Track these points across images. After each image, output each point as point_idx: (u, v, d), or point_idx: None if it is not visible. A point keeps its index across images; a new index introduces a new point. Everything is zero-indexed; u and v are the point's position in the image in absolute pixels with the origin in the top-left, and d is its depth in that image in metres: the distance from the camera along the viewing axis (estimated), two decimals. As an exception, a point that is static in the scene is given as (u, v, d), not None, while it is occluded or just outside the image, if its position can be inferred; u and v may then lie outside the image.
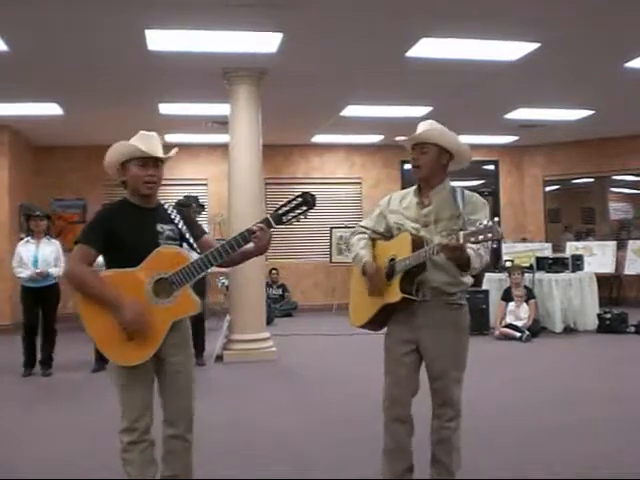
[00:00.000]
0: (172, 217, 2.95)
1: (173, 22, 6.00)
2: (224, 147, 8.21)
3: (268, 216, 2.78)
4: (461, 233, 2.69)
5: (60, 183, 11.77)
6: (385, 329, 3.20)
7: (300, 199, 2.77)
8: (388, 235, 3.17)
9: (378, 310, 3.06)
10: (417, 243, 2.91)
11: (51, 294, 6.82)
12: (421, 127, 3.05)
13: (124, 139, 2.89)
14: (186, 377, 2.97)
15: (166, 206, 3.00)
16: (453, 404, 3.03)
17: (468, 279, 3.07)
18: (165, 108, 9.23)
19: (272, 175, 12.14)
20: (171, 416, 2.93)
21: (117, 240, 2.79)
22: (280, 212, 2.78)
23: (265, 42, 6.58)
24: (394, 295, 2.96)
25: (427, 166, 3.02)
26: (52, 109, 9.00)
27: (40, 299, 6.76)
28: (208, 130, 10.47)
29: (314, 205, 2.78)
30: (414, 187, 3.16)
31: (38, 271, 6.64)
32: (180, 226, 2.94)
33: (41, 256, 6.75)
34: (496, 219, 2.66)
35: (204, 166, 12.21)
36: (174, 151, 2.99)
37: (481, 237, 2.63)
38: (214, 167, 11.95)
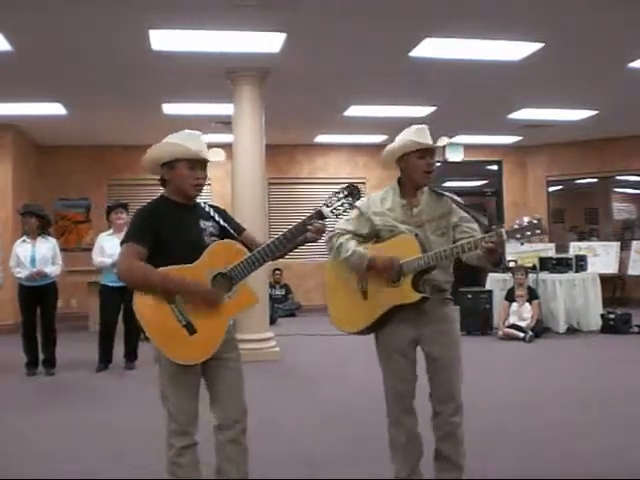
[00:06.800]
0: (211, 214, 2.95)
1: (177, 22, 6.01)
2: (227, 147, 8.20)
3: (321, 208, 2.82)
4: (503, 230, 2.74)
5: (64, 183, 11.76)
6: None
7: (346, 191, 2.83)
8: (371, 237, 3.16)
9: (385, 312, 3.05)
10: (423, 245, 2.95)
11: (49, 293, 6.79)
12: (428, 134, 3.10)
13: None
14: (238, 375, 2.93)
15: (202, 204, 2.99)
16: (455, 397, 3.05)
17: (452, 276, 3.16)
18: (169, 108, 9.24)
19: (275, 175, 12.13)
20: (226, 418, 2.86)
21: (163, 238, 2.72)
22: (330, 204, 2.82)
23: (269, 42, 6.59)
24: (410, 296, 2.97)
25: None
26: (56, 109, 9.02)
27: (38, 298, 6.72)
28: (211, 130, 10.46)
29: (360, 196, 2.87)
30: (391, 188, 3.17)
31: (35, 271, 6.58)
32: (221, 223, 2.93)
33: (38, 255, 6.69)
34: (538, 215, 2.76)
35: (207, 166, 12.16)
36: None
37: (528, 233, 2.73)
38: (217, 167, 11.91)
